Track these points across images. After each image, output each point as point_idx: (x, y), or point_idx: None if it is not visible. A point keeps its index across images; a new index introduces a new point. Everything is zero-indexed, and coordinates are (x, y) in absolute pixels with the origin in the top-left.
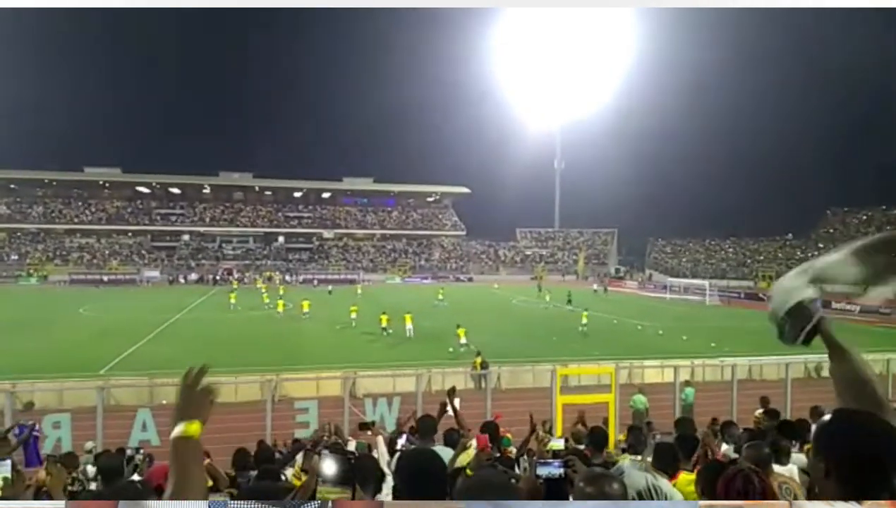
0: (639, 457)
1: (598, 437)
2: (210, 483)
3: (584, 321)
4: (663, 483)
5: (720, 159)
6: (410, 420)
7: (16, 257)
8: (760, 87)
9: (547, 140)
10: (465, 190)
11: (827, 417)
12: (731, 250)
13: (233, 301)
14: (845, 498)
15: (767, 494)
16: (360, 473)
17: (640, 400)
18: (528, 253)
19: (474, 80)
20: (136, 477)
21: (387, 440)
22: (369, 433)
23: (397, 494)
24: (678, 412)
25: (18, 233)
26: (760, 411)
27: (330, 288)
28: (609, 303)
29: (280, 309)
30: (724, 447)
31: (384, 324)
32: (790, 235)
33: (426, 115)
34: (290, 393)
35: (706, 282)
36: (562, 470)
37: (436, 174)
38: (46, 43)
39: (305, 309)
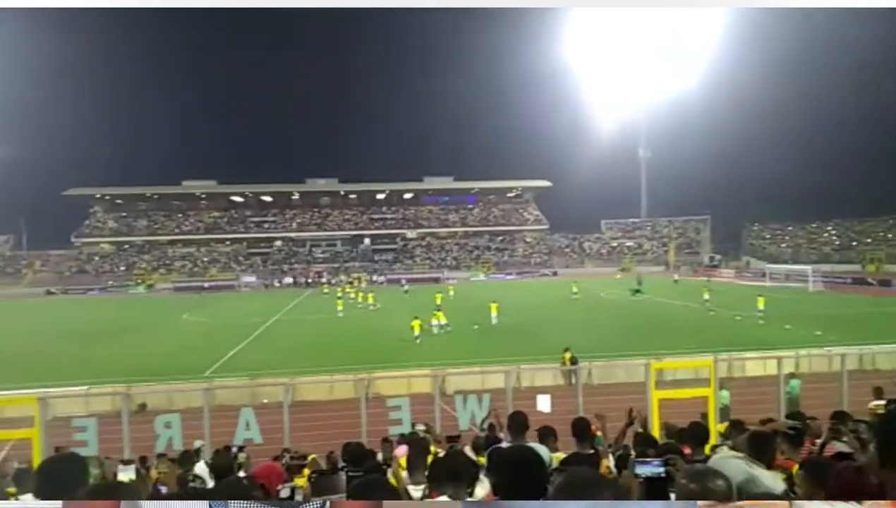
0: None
1: (698, 432)
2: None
3: (761, 306)
4: (758, 471)
5: (819, 136)
6: (490, 417)
7: (124, 268)
8: (864, 59)
9: (629, 128)
10: (546, 183)
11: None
12: (834, 233)
13: (339, 308)
14: None
15: (885, 492)
16: (453, 471)
17: (724, 395)
18: (615, 244)
19: (553, 71)
20: (241, 474)
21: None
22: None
23: (496, 491)
24: (783, 406)
25: (126, 246)
26: (874, 403)
27: (406, 287)
28: (703, 293)
29: (370, 300)
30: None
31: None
32: None
33: (505, 110)
34: (382, 391)
35: (809, 268)
36: (663, 469)
37: (516, 169)
38: (143, 68)
39: (438, 301)
